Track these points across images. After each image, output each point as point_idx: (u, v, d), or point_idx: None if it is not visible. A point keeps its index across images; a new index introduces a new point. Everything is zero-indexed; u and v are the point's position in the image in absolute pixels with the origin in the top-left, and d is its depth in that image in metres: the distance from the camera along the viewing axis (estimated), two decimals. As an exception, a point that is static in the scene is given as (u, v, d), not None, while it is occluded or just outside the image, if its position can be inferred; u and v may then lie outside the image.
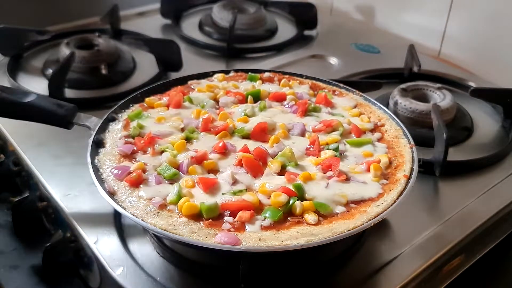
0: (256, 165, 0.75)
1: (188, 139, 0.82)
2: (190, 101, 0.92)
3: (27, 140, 0.99)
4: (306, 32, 1.50)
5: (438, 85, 1.13)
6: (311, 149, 0.80)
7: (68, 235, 0.82)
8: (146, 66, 1.26)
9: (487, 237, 0.87)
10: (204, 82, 0.98)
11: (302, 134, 0.84)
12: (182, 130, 0.84)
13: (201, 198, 0.69)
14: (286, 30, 1.51)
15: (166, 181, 0.73)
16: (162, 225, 0.65)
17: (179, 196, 0.69)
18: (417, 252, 0.78)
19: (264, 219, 0.66)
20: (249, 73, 1.02)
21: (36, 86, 1.15)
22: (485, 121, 1.13)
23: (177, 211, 0.67)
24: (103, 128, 0.84)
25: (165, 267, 0.74)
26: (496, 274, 0.97)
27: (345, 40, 1.47)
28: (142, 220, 0.66)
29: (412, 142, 0.82)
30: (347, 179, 0.74)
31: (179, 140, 0.80)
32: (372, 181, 0.74)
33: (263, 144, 0.80)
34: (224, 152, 0.78)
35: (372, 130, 0.87)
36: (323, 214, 0.67)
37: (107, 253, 0.74)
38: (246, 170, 0.74)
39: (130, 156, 0.78)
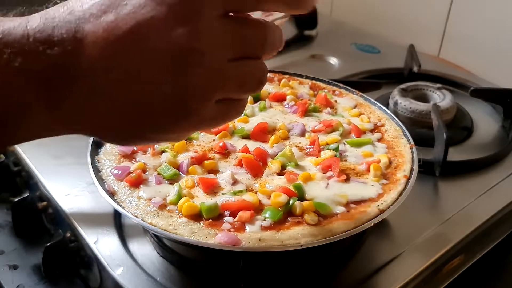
0: (256, 165, 0.75)
1: (188, 139, 0.82)
2: (190, 101, 0.92)
3: (27, 140, 0.98)
4: (306, 32, 1.50)
5: (438, 85, 1.13)
6: (310, 149, 0.80)
7: (68, 235, 0.82)
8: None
9: (487, 237, 0.87)
10: (204, 82, 0.98)
11: (302, 134, 0.84)
12: (182, 130, 0.84)
13: (201, 198, 0.69)
14: (286, 30, 1.49)
15: (166, 181, 0.73)
16: (162, 225, 0.65)
17: (179, 196, 0.68)
18: (417, 252, 0.78)
19: (264, 219, 0.66)
20: (249, 73, 1.02)
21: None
22: (485, 121, 1.13)
23: (177, 211, 0.67)
24: (103, 128, 0.83)
25: (165, 267, 0.74)
26: (496, 274, 0.97)
27: (345, 40, 1.46)
28: (142, 220, 0.66)
29: (412, 142, 0.82)
30: (347, 179, 0.74)
31: (179, 140, 0.80)
32: (372, 181, 0.74)
33: (263, 145, 0.80)
34: (224, 152, 0.78)
35: (372, 130, 0.87)
36: (323, 214, 0.67)
37: (107, 253, 0.74)
38: (246, 170, 0.74)
39: (130, 156, 0.78)
